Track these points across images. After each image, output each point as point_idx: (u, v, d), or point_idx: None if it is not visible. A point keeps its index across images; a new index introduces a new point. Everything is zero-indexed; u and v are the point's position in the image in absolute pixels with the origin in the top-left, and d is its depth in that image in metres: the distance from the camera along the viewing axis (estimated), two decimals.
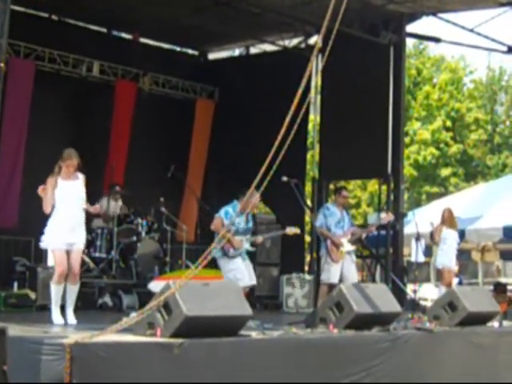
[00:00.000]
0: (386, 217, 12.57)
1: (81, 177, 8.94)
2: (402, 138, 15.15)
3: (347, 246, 11.42)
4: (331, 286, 10.79)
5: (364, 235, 12.40)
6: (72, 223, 8.79)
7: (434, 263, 13.65)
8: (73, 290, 8.86)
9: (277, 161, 6.41)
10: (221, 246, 9.88)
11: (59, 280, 8.74)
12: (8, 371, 6.01)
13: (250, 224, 10.51)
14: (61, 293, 8.80)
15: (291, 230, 10.72)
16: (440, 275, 13.55)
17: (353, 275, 11.41)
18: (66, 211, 8.74)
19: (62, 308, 8.86)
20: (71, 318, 8.75)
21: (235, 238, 10.13)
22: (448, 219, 13.49)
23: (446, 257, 13.37)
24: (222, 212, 10.21)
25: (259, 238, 10.66)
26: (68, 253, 8.77)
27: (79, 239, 8.88)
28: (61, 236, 8.69)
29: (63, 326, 8.51)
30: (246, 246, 10.32)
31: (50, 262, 12.78)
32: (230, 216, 10.13)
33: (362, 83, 14.53)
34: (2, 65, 6.52)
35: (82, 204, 8.94)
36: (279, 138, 6.41)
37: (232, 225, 10.09)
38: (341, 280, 11.20)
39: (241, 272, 10.08)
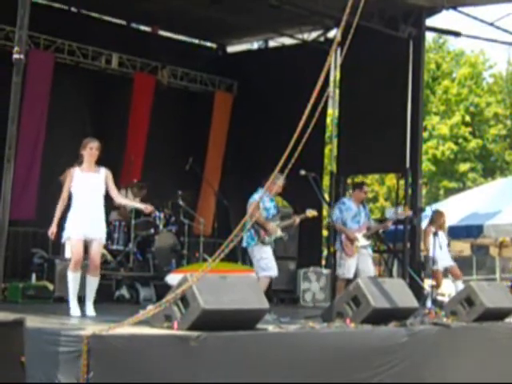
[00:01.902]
0: (403, 212, 12.58)
1: (103, 171, 8.95)
2: (421, 133, 15.07)
3: (362, 241, 11.44)
4: (348, 281, 10.81)
5: (381, 230, 12.40)
6: (90, 215, 8.80)
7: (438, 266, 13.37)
8: (93, 283, 8.88)
9: (295, 154, 6.41)
10: (256, 233, 10.01)
11: (75, 267, 8.73)
12: (26, 362, 6.04)
13: (277, 209, 10.56)
14: (78, 281, 8.81)
15: (311, 213, 10.75)
16: (438, 276, 13.39)
17: (369, 269, 11.43)
18: (84, 203, 8.77)
19: (80, 299, 8.91)
20: (90, 311, 8.77)
21: (270, 224, 10.18)
22: (443, 222, 13.57)
23: (446, 259, 13.40)
24: (256, 196, 10.18)
25: (296, 220, 10.67)
26: (88, 244, 8.81)
27: (99, 231, 8.90)
28: (78, 226, 8.71)
29: (80, 317, 8.53)
30: (279, 232, 10.37)
31: (68, 254, 12.83)
32: (263, 201, 10.21)
33: (381, 77, 14.49)
34: (22, 56, 6.53)
35: (101, 197, 8.96)
36: (297, 131, 6.41)
37: (264, 210, 10.21)
38: (356, 274, 11.23)
39: (272, 261, 10.19)
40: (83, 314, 8.69)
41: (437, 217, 13.54)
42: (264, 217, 10.21)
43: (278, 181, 10.09)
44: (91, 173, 8.87)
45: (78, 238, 8.72)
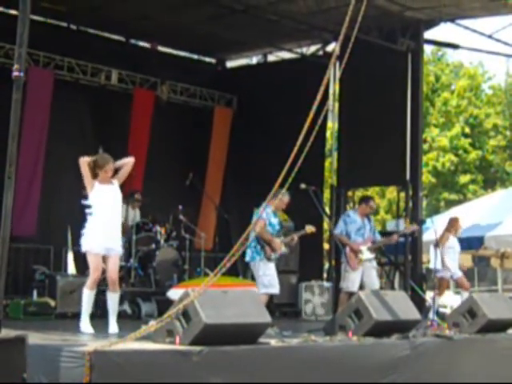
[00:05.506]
0: (410, 227, 12.56)
1: (115, 182, 8.94)
2: (421, 145, 15.08)
3: (366, 254, 11.39)
4: (351, 294, 10.78)
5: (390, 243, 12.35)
6: (110, 228, 8.74)
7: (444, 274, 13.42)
8: (114, 298, 8.86)
9: (295, 168, 6.41)
10: (262, 249, 9.99)
11: (93, 286, 8.68)
12: (28, 379, 6.03)
13: (281, 225, 10.57)
14: (93, 299, 8.76)
15: (310, 229, 10.75)
16: (441, 284, 13.38)
17: (373, 282, 11.40)
18: (104, 215, 8.71)
19: (92, 316, 8.85)
20: (114, 328, 8.69)
21: (276, 240, 10.19)
22: (457, 228, 13.57)
23: (456, 265, 13.42)
24: (262, 214, 10.07)
25: (294, 238, 10.64)
26: (105, 259, 8.75)
27: (117, 244, 8.87)
28: (99, 240, 8.64)
29: (92, 335, 8.38)
30: (283, 248, 10.37)
31: (70, 269, 12.83)
32: (269, 217, 10.21)
33: (380, 90, 14.51)
34: (22, 74, 6.54)
35: (120, 209, 8.96)
36: (297, 145, 6.42)
37: (270, 225, 10.21)
38: (361, 287, 11.19)
39: (275, 278, 10.17)
40: (108, 331, 8.61)
41: (453, 222, 13.59)
42: (269, 233, 10.21)
43: (283, 197, 10.10)
44: (107, 184, 8.84)
45: (98, 253, 8.64)
